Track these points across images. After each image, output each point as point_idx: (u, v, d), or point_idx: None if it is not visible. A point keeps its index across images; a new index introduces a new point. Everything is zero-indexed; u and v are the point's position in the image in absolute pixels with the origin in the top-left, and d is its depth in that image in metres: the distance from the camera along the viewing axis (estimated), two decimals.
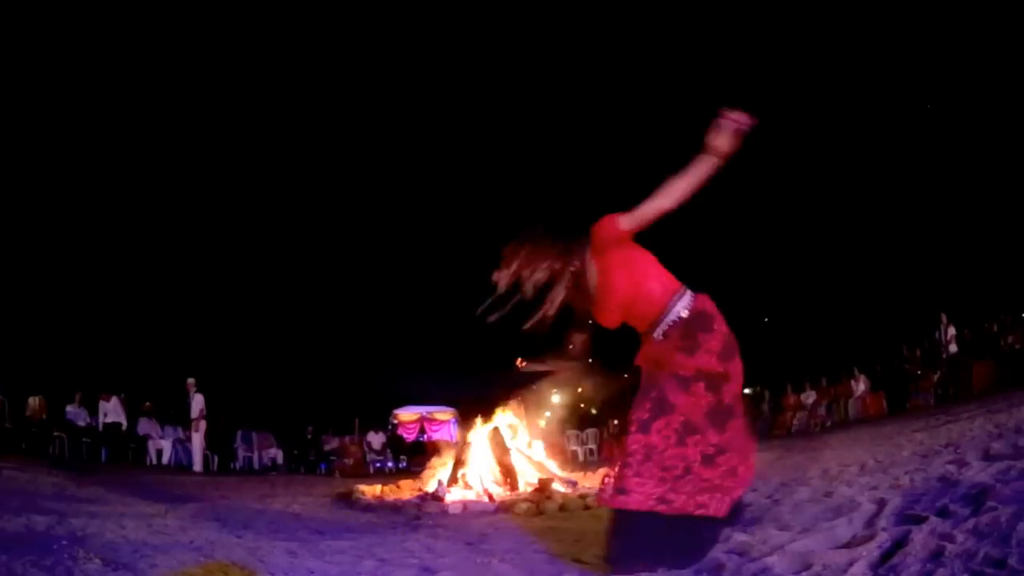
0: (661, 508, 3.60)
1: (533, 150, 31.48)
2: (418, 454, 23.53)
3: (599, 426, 26.82)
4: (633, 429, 3.79)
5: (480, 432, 10.80)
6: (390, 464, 23.96)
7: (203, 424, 17.67)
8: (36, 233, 25.65)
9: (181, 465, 17.88)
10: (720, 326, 3.89)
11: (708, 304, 3.95)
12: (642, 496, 3.63)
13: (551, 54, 31.41)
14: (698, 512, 3.64)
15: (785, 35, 29.16)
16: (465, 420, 13.94)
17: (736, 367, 3.86)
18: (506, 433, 10.86)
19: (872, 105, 29.46)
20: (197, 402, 17.50)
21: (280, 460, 22.77)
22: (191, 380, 17.53)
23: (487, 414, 11.52)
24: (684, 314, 3.88)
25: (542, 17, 30.71)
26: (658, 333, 3.90)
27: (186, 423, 18.24)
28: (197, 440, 17.55)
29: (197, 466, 17.31)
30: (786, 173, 29.48)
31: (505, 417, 11.45)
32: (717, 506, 3.69)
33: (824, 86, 29.40)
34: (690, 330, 3.79)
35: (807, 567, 3.02)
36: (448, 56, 31.07)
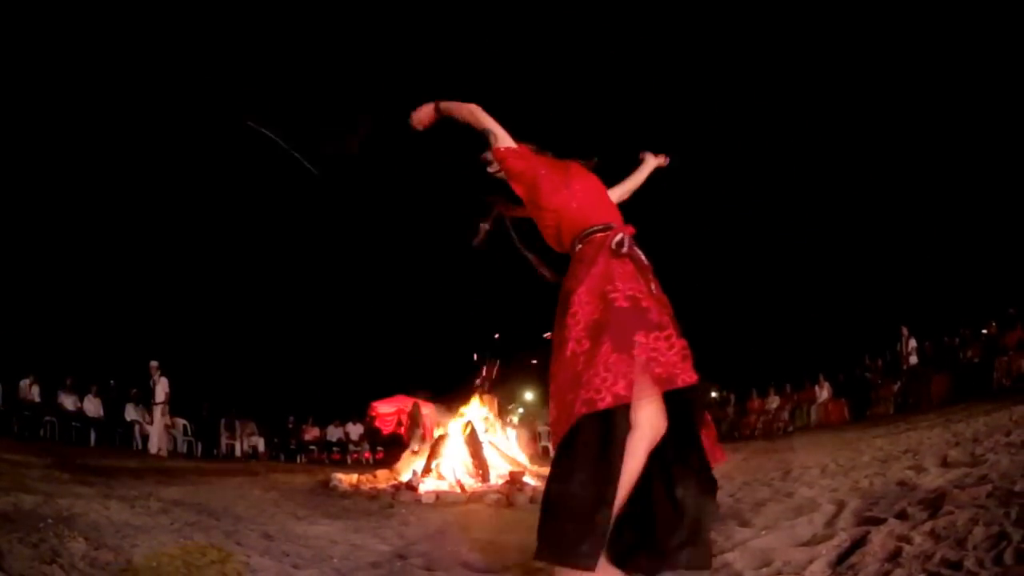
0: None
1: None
2: (395, 446, 23.57)
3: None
4: None
5: (454, 425, 10.95)
6: (368, 455, 24.01)
7: (167, 408, 17.32)
8: (29, 222, 25.61)
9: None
10: None
11: None
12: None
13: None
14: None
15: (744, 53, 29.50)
16: (440, 414, 14.02)
17: None
18: (479, 427, 10.99)
19: (837, 122, 29.67)
20: (163, 385, 17.18)
21: (261, 448, 22.89)
22: (154, 363, 17.24)
23: (461, 406, 11.68)
24: None
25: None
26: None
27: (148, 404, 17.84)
28: (161, 423, 17.09)
29: (154, 448, 16.69)
30: (757, 188, 29.70)
31: (478, 411, 11.58)
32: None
33: (785, 106, 29.64)
34: None
35: (767, 564, 3.10)
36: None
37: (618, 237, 3.23)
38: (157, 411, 17.01)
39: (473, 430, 10.68)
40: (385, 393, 26.94)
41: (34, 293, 25.97)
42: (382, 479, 10.96)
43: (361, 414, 25.62)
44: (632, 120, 29.80)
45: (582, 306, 3.15)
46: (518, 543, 4.38)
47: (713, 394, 26.99)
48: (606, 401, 2.87)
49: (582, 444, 2.96)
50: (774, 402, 22.51)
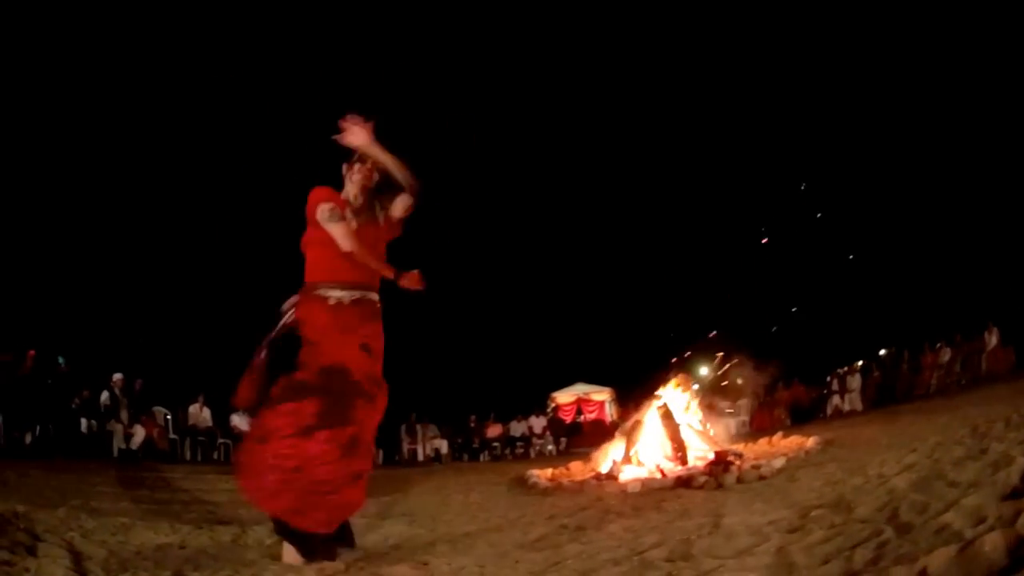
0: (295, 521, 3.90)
1: None
2: (575, 435, 23.74)
3: (750, 398, 26.08)
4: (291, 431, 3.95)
5: (651, 409, 10.97)
6: (551, 447, 24.32)
7: None
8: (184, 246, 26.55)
9: None
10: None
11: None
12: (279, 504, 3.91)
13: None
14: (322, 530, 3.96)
15: None
16: (623, 398, 14.02)
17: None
18: (675, 408, 11.03)
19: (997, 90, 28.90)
20: None
21: (444, 450, 23.25)
22: None
23: (648, 391, 11.67)
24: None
25: None
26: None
27: None
28: None
29: None
30: (925, 150, 29.23)
31: (673, 392, 11.64)
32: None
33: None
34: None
35: (982, 520, 3.16)
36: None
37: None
38: None
39: (669, 412, 10.72)
40: (561, 384, 27.08)
41: (199, 321, 26.96)
42: (576, 471, 11.16)
43: (541, 406, 25.82)
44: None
45: None
46: (744, 525, 4.39)
47: (882, 351, 26.48)
48: None
49: None
50: (946, 355, 22.00)
